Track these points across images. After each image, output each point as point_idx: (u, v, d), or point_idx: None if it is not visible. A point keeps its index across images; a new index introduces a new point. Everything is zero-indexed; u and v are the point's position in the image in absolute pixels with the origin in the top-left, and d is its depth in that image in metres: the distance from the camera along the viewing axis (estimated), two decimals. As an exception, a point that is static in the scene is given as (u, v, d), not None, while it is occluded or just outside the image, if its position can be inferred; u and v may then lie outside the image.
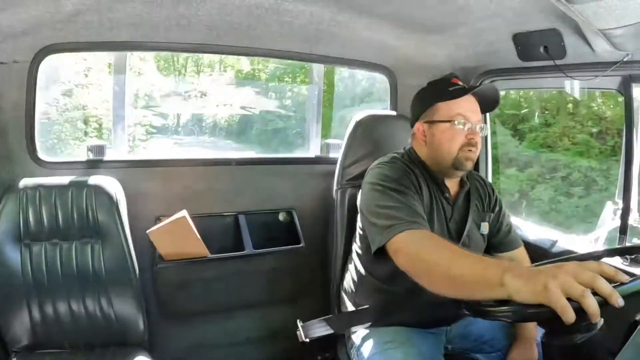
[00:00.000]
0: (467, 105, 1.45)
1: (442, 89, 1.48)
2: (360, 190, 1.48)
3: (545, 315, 0.81)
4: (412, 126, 1.57)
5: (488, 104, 1.52)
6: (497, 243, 1.63)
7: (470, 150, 1.44)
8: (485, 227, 1.59)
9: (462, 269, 1.02)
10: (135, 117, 4.83)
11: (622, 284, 0.81)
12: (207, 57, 5.84)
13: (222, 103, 6.11)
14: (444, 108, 1.46)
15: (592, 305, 0.76)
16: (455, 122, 1.43)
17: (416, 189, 1.42)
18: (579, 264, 0.85)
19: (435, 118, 1.47)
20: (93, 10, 1.58)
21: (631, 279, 0.83)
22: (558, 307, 0.78)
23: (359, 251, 1.58)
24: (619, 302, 0.77)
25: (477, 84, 1.98)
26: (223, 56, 5.13)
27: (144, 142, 5.12)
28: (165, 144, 5.54)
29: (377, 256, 1.32)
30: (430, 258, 1.13)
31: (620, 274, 0.82)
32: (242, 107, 6.14)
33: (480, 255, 1.13)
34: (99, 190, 1.66)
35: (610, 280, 0.81)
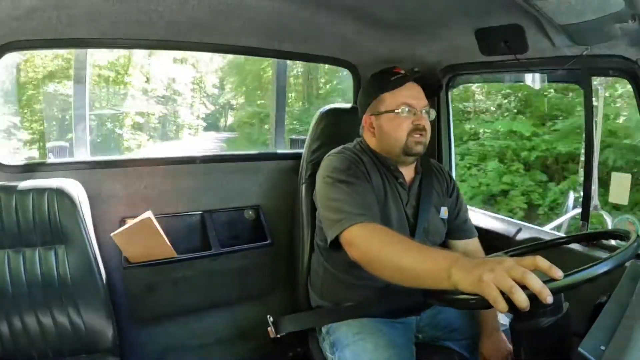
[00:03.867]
0: (410, 93, 1.51)
1: (384, 79, 1.53)
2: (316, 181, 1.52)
3: (480, 304, 0.87)
4: (360, 120, 1.62)
5: (431, 89, 1.58)
6: (454, 229, 1.68)
7: (419, 135, 1.49)
8: (445, 212, 1.64)
9: (411, 262, 1.08)
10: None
11: (554, 280, 0.85)
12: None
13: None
14: (388, 98, 1.51)
15: (518, 299, 0.82)
16: (400, 111, 1.48)
17: (366, 177, 1.46)
18: (517, 259, 0.89)
19: (381, 109, 1.53)
20: (51, 6, 1.52)
21: (564, 274, 0.86)
22: (490, 298, 0.84)
23: (320, 243, 1.61)
24: (548, 299, 0.81)
25: (447, 89, 2.05)
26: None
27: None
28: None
29: (334, 248, 1.37)
30: (380, 251, 1.18)
31: (554, 269, 0.86)
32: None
33: (430, 247, 1.19)
34: (60, 193, 1.61)
35: (544, 274, 0.86)
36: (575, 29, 1.28)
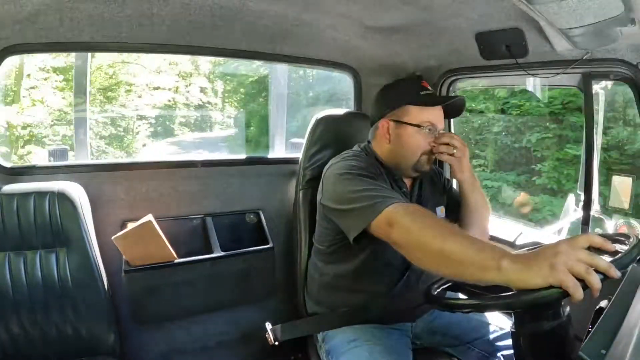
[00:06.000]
0: (436, 112, 1.49)
1: (413, 91, 1.49)
2: (323, 185, 1.48)
3: (556, 296, 0.81)
4: (373, 121, 1.58)
5: (454, 111, 1.57)
6: (457, 204, 1.66)
7: (430, 157, 1.50)
8: (441, 211, 1.65)
9: (456, 247, 1.00)
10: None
11: (614, 257, 0.83)
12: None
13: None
14: (414, 112, 1.47)
15: (596, 282, 0.78)
16: (424, 128, 1.46)
17: (382, 178, 1.45)
18: (569, 241, 0.86)
19: (404, 119, 1.48)
20: (54, 10, 1.53)
21: (621, 251, 0.85)
22: (570, 286, 0.79)
23: (320, 247, 1.60)
24: (617, 273, 0.79)
25: (447, 93, 2.05)
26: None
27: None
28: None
29: (341, 250, 1.38)
30: (424, 231, 1.09)
31: (607, 242, 0.85)
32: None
33: (475, 237, 1.08)
34: (62, 196, 1.62)
35: (599, 249, 0.85)
36: (576, 33, 1.27)
